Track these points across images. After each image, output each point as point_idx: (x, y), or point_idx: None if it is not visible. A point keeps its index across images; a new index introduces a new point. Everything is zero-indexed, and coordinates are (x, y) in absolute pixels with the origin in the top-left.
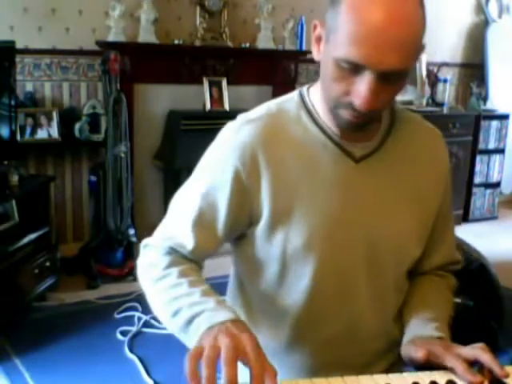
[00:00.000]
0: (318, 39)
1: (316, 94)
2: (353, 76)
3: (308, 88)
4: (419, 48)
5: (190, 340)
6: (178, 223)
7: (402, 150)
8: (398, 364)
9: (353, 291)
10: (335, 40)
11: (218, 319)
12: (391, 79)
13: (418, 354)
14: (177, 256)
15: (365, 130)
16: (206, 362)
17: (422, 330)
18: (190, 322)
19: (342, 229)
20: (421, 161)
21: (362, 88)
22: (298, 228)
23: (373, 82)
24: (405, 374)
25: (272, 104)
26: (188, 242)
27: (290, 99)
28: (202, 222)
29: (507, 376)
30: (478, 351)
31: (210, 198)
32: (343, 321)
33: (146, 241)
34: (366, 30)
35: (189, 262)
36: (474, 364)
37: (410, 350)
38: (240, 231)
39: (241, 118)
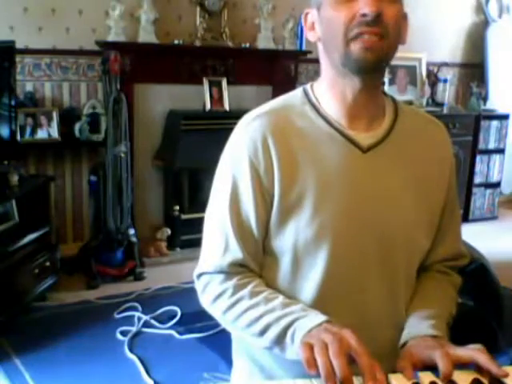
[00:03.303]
0: (312, 25)
1: (320, 89)
2: (352, 1)
3: (311, 85)
4: None
5: (288, 350)
6: (219, 237)
7: (407, 141)
8: None
9: (364, 282)
10: None
11: (314, 322)
12: None
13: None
14: (237, 277)
15: (378, 71)
16: (319, 351)
17: (416, 330)
18: (283, 334)
19: (352, 219)
20: (425, 152)
21: None
22: (309, 219)
23: None
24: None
25: (277, 100)
26: (236, 252)
27: (293, 95)
28: (239, 223)
29: (506, 376)
30: (474, 353)
31: (237, 198)
32: (355, 312)
33: (197, 270)
34: None
35: (250, 276)
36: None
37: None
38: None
39: (248, 115)
